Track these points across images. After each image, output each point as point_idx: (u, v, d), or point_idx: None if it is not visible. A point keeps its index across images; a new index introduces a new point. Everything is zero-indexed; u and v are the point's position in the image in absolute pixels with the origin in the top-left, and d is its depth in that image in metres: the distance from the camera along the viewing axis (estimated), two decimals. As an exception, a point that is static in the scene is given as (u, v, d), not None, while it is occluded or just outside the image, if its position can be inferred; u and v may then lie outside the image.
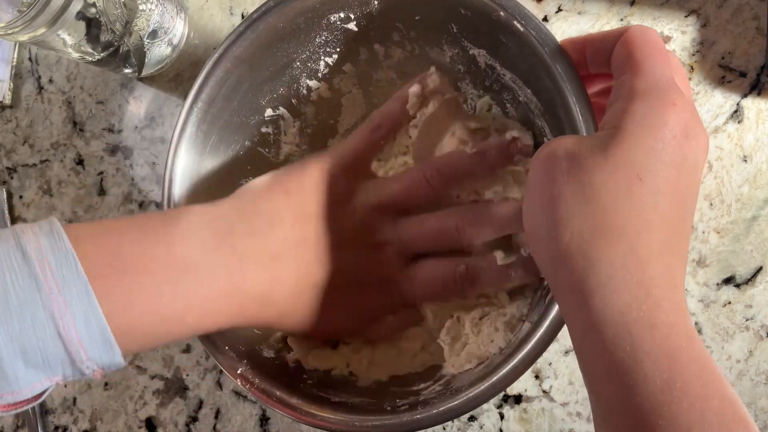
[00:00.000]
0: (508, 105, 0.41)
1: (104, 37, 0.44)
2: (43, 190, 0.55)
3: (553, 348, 0.45)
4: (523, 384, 0.45)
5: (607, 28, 0.47)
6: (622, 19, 0.46)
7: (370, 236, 0.39)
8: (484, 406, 0.44)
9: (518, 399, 0.45)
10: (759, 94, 0.44)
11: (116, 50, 0.46)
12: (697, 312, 0.44)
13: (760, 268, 0.43)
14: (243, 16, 0.52)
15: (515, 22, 0.35)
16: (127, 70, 0.50)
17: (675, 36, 0.46)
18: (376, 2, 0.39)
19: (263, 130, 0.44)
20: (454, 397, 0.34)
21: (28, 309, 0.25)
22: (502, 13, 0.35)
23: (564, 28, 0.47)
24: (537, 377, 0.45)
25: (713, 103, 0.45)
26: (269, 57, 0.41)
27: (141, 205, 0.52)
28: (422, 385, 0.38)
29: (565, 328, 0.31)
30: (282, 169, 0.39)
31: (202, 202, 0.35)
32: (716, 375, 0.24)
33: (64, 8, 0.39)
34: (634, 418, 0.23)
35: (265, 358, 0.40)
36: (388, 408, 0.35)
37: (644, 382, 0.23)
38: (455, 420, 0.46)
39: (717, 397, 0.23)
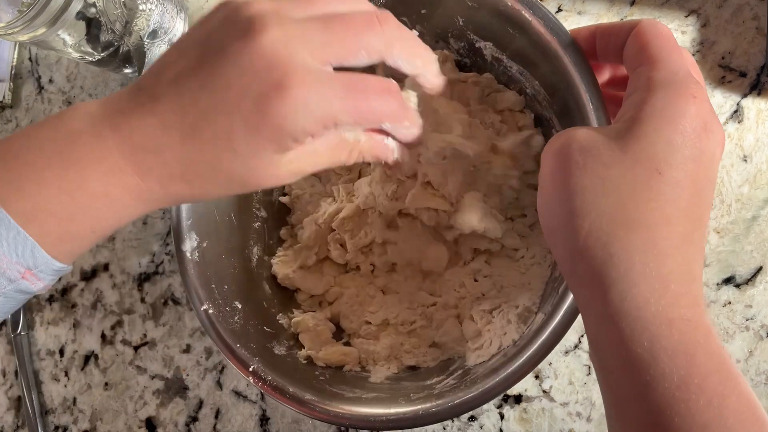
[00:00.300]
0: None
1: (104, 37, 0.44)
2: (43, 190, 0.55)
3: (554, 348, 0.45)
4: (523, 384, 0.45)
5: (607, 28, 0.47)
6: (621, 19, 0.46)
7: None
8: (485, 406, 0.44)
9: (518, 399, 0.45)
10: (759, 94, 0.44)
11: (116, 50, 0.46)
12: (697, 312, 0.44)
13: (760, 268, 0.43)
14: (243, 16, 0.52)
15: (523, 12, 0.35)
16: (127, 70, 0.50)
17: (675, 36, 0.46)
18: (380, -3, 0.40)
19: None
20: (470, 388, 0.34)
21: None
22: (509, 3, 0.35)
23: (564, 28, 0.47)
24: (537, 377, 0.45)
25: (713, 103, 0.45)
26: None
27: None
28: (436, 379, 0.38)
29: (579, 319, 0.31)
30: None
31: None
32: (733, 372, 0.24)
33: (64, 8, 0.39)
34: (650, 413, 0.23)
35: (276, 355, 0.40)
36: (403, 402, 0.35)
37: (661, 377, 0.23)
38: (455, 420, 0.46)
39: (734, 394, 0.23)
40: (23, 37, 0.40)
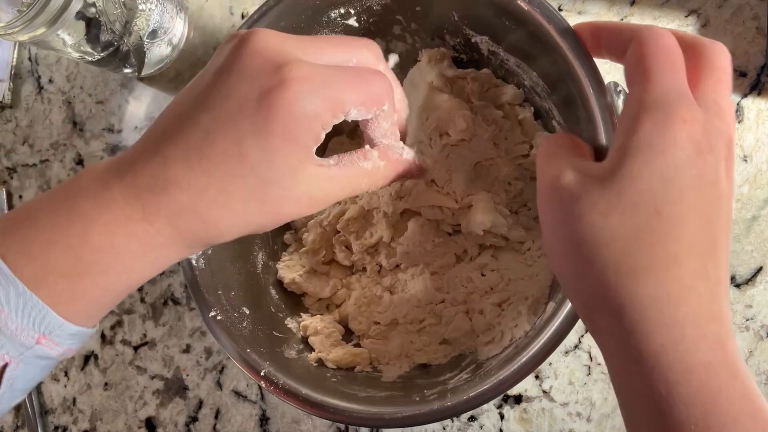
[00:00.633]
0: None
1: (104, 37, 0.44)
2: (43, 189, 0.55)
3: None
4: (523, 384, 0.45)
5: (607, 28, 0.47)
6: (621, 19, 0.46)
7: None
8: (485, 406, 0.44)
9: (518, 399, 0.45)
10: (759, 94, 0.44)
11: (116, 50, 0.46)
12: (697, 312, 0.44)
13: (760, 268, 0.43)
14: (243, 16, 0.52)
15: (519, 2, 0.35)
16: (127, 70, 0.50)
17: (675, 36, 0.46)
18: (376, -5, 0.40)
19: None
20: (484, 382, 0.34)
21: None
22: None
23: (564, 28, 0.47)
24: (537, 377, 0.45)
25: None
26: (270, 57, 0.41)
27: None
28: (449, 375, 0.38)
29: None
30: None
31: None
32: (759, 415, 0.23)
33: (64, 8, 0.39)
34: None
35: (287, 359, 0.40)
36: (417, 399, 0.35)
37: (679, 427, 0.23)
38: (455, 420, 0.46)
39: None
40: (23, 37, 0.40)
